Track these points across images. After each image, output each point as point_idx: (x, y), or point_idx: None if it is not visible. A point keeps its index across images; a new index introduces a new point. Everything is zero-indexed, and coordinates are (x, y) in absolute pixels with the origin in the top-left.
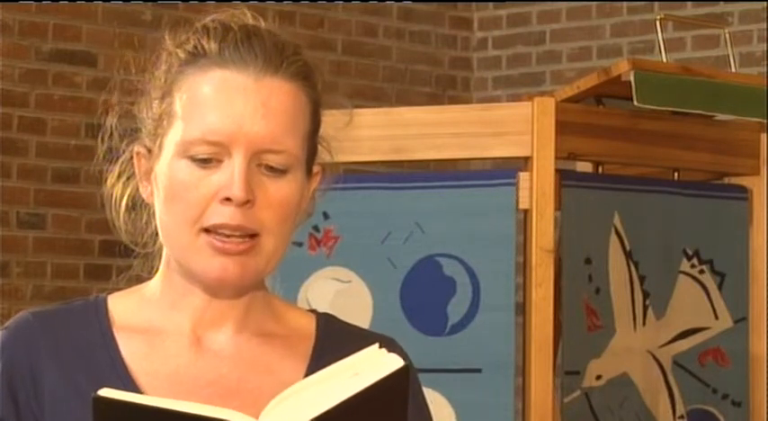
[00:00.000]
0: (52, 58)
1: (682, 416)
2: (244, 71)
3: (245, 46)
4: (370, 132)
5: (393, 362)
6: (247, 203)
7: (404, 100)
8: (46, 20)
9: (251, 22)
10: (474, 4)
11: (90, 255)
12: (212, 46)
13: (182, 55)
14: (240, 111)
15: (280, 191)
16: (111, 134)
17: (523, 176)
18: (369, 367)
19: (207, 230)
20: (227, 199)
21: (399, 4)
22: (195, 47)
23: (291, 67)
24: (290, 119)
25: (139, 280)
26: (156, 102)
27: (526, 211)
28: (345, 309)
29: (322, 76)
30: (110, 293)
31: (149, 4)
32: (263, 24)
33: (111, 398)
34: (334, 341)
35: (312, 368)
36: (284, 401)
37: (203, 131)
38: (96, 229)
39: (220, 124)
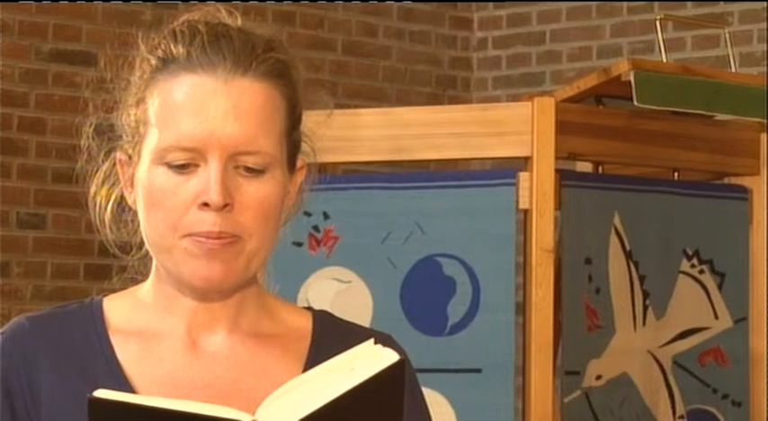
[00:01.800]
0: (52, 58)
1: (682, 416)
2: (212, 74)
3: (213, 48)
4: (370, 132)
5: (389, 357)
6: (226, 207)
7: (404, 100)
8: (46, 20)
9: (225, 20)
10: (474, 4)
11: (90, 255)
12: (180, 50)
13: (153, 61)
14: (212, 115)
15: (258, 191)
16: (92, 141)
17: (523, 176)
18: (364, 362)
19: (188, 237)
20: (205, 204)
21: (399, 4)
22: (164, 52)
23: (262, 66)
24: (263, 118)
25: (136, 281)
26: (132, 108)
27: (526, 211)
28: (345, 310)
29: (301, 72)
30: (105, 295)
31: (149, 4)
32: (238, 21)
33: (106, 400)
34: (330, 340)
35: (309, 368)
36: (280, 397)
37: (177, 138)
38: (96, 229)
39: (193, 129)
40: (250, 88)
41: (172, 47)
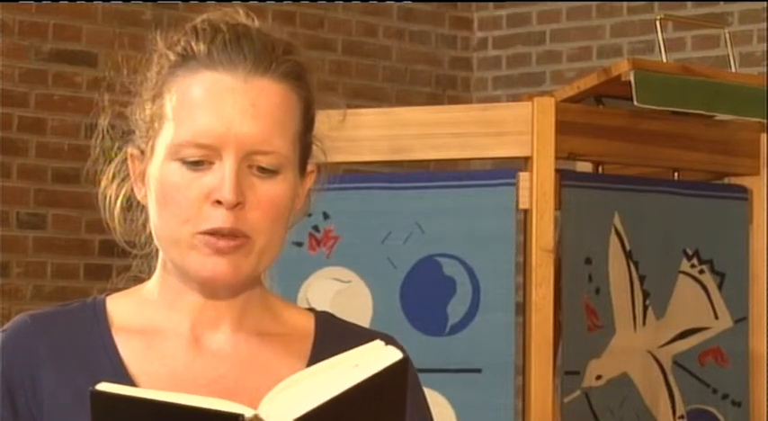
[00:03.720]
0: (52, 58)
1: (682, 416)
2: (232, 72)
3: (234, 47)
4: (370, 132)
5: (392, 355)
6: (238, 205)
7: (404, 100)
8: (46, 20)
9: (243, 21)
10: (474, 4)
11: (90, 255)
12: (201, 47)
13: (172, 57)
14: (229, 113)
15: (270, 191)
16: (103, 136)
17: (523, 176)
18: (368, 359)
19: (200, 233)
20: (218, 202)
21: (399, 4)
22: (184, 48)
23: (281, 67)
24: (279, 119)
25: (138, 280)
26: (148, 104)
27: (526, 211)
28: (345, 309)
29: (315, 75)
30: (108, 294)
31: (149, 4)
32: (256, 23)
33: (108, 392)
34: (333, 340)
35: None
36: (283, 391)
37: (193, 134)
38: (96, 229)
39: (210, 126)
40: (269, 88)
41: (192, 44)
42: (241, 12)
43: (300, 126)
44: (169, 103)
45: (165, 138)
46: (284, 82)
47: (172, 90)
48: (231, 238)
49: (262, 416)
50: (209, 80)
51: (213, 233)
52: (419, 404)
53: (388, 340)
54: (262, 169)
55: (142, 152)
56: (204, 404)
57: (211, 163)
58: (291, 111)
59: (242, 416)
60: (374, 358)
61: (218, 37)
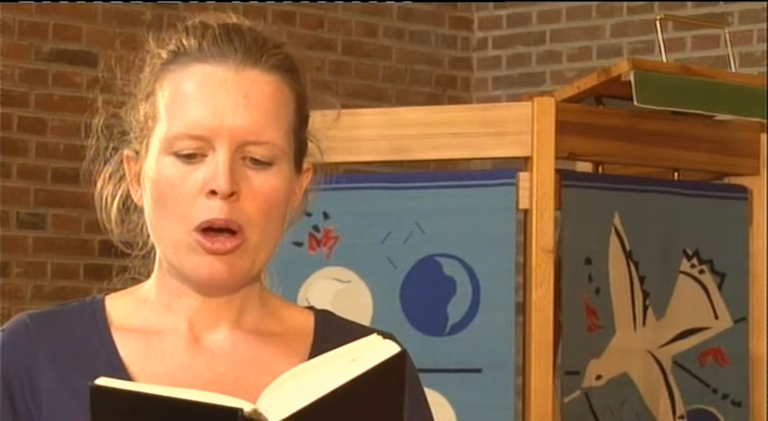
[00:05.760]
0: (52, 58)
1: (682, 416)
2: (223, 64)
3: (225, 40)
4: (370, 132)
5: (390, 348)
6: (232, 195)
7: (404, 100)
8: (46, 20)
9: (234, 21)
10: (474, 4)
11: (90, 255)
12: (192, 42)
13: (164, 55)
14: (221, 104)
15: (265, 183)
16: (98, 137)
17: (523, 176)
18: (366, 353)
19: (196, 230)
20: (213, 192)
21: (399, 4)
22: (176, 46)
23: (272, 60)
24: (272, 110)
25: (137, 281)
26: (142, 103)
27: (526, 211)
28: (345, 310)
29: (309, 73)
30: (107, 294)
31: (149, 4)
32: (246, 23)
33: (107, 387)
34: (332, 338)
35: None
36: (282, 385)
37: (186, 126)
38: (96, 229)
39: (202, 118)
40: (260, 79)
41: (183, 40)
42: (232, 14)
43: (294, 119)
44: (162, 99)
45: (159, 133)
46: (275, 73)
47: (164, 85)
48: (225, 240)
49: (261, 410)
50: (200, 73)
51: (208, 226)
52: (417, 399)
53: (387, 338)
54: (255, 161)
55: (137, 153)
56: (203, 398)
57: (204, 155)
58: (284, 103)
59: (241, 410)
60: (372, 351)
61: (208, 32)
